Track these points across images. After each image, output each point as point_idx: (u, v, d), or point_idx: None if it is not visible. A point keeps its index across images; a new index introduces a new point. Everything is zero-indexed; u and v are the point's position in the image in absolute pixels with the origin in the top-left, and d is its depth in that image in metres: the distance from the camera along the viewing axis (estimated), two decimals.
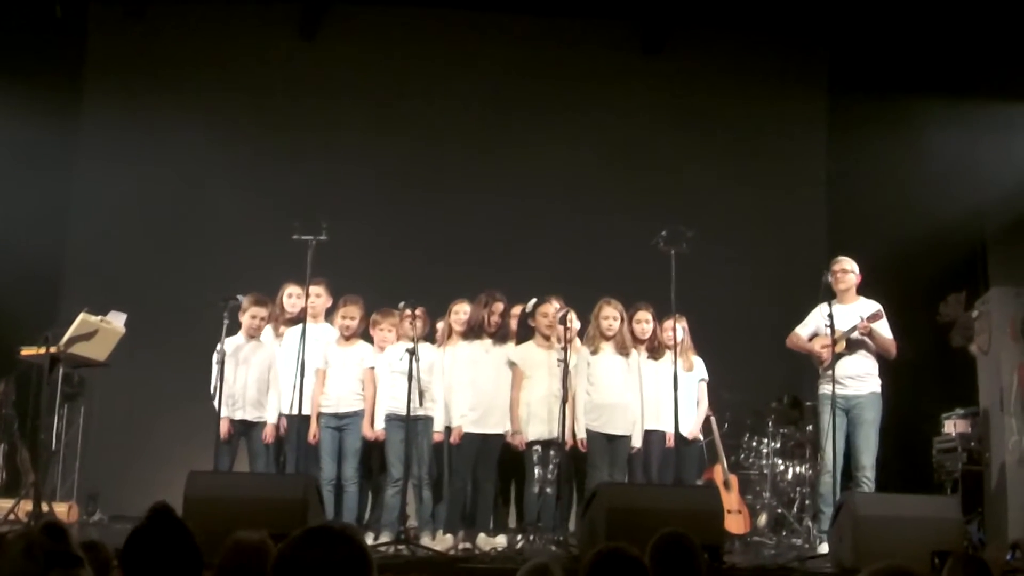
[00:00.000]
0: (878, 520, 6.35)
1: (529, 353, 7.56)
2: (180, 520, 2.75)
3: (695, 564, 3.74)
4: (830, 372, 7.42)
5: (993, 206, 9.08)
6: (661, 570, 3.70)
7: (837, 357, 7.44)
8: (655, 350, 7.84)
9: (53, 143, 9.92)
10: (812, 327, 7.74)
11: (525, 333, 7.71)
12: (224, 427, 7.46)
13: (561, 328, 7.42)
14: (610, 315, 7.55)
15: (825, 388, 7.50)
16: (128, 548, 2.67)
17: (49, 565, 2.24)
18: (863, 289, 7.79)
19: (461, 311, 7.70)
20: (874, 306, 7.59)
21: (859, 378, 7.54)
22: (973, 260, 9.41)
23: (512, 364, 7.53)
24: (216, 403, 7.50)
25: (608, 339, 7.54)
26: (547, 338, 7.54)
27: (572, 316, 7.56)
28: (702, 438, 8.34)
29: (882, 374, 7.62)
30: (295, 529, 2.27)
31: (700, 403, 8.15)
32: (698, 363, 8.11)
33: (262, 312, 7.72)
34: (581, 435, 7.40)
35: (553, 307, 7.52)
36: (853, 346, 7.54)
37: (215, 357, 7.51)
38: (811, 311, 7.79)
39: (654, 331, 7.82)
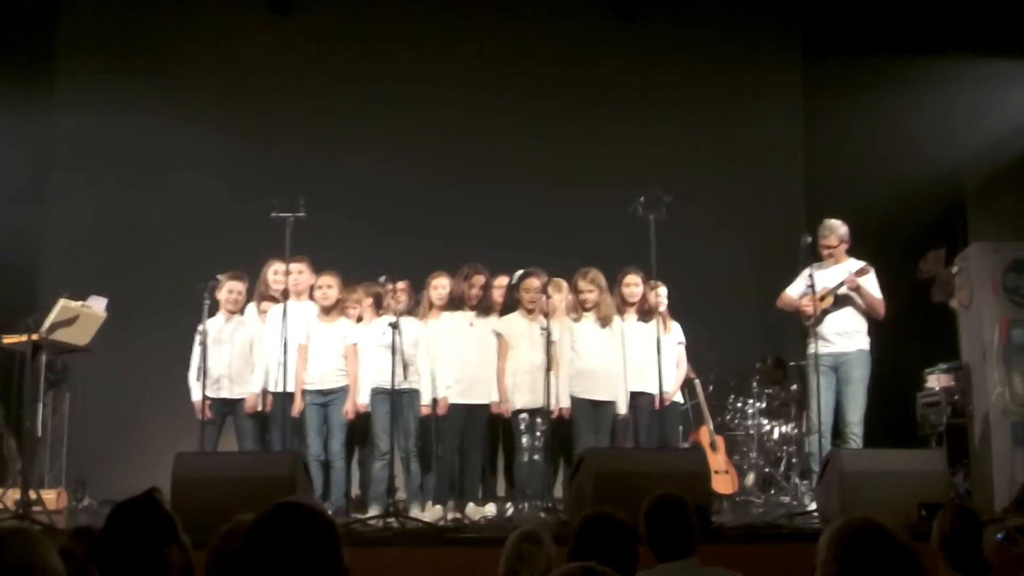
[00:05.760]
0: (864, 475, 6.41)
1: (513, 324, 7.57)
2: (155, 504, 2.72)
3: (688, 524, 3.78)
4: (816, 330, 7.47)
5: (971, 162, 9.14)
6: (655, 531, 3.74)
7: (823, 313, 7.53)
8: (646, 313, 7.86)
9: (26, 126, 9.80)
10: (802, 286, 7.76)
11: (510, 304, 7.71)
12: (200, 407, 7.43)
13: (543, 298, 7.43)
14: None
15: (813, 348, 7.55)
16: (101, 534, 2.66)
17: None
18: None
19: (440, 285, 7.70)
20: (862, 263, 7.64)
21: (846, 335, 7.59)
22: (952, 217, 9.47)
23: (497, 335, 7.55)
24: (194, 382, 7.53)
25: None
26: (531, 311, 7.55)
27: (564, 285, 7.63)
28: (681, 400, 8.41)
29: (869, 332, 7.66)
30: None
31: (679, 365, 8.20)
32: (675, 327, 8.15)
33: (239, 287, 7.73)
34: (565, 404, 7.44)
35: (537, 281, 7.52)
36: (840, 302, 7.60)
37: (197, 338, 7.49)
38: (797, 273, 7.81)
39: (643, 294, 7.85)
